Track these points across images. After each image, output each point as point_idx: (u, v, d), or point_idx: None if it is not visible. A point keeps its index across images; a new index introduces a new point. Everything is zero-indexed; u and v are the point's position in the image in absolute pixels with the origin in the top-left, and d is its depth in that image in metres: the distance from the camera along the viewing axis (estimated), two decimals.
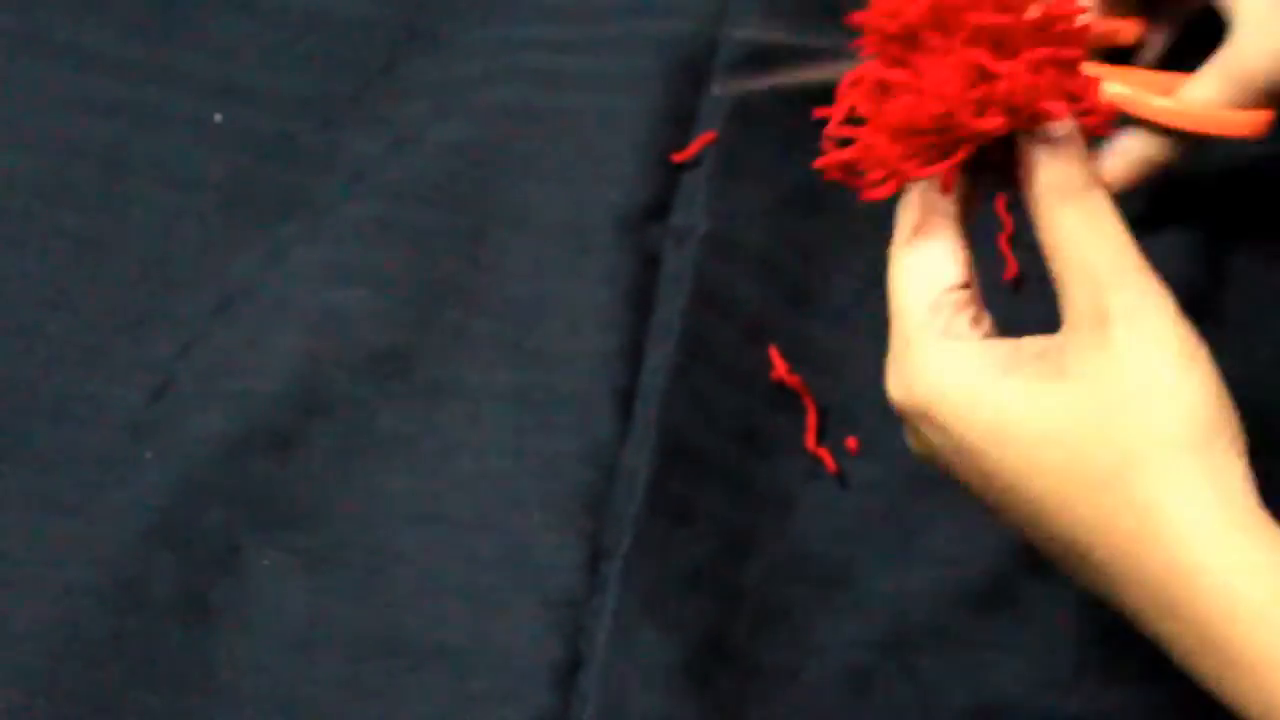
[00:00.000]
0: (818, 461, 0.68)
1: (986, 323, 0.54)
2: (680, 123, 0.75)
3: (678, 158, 0.74)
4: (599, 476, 0.67)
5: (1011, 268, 0.70)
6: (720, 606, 0.65)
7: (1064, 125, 0.53)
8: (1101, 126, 0.53)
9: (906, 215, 0.55)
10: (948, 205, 0.54)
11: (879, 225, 0.73)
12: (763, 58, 0.76)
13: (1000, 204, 0.72)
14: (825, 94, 0.56)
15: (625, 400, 0.69)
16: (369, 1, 0.79)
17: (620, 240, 0.72)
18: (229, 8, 0.78)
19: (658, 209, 0.73)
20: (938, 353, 0.52)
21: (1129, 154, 0.66)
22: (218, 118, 0.76)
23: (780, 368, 0.69)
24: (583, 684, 0.63)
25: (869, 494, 0.67)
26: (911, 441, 0.55)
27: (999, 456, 0.51)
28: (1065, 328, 0.52)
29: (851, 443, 0.68)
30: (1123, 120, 0.65)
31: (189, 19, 0.78)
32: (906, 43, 0.53)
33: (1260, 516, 0.48)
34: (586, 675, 0.64)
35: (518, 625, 0.64)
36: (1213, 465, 0.49)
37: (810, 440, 0.68)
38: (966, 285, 0.54)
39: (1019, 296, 0.70)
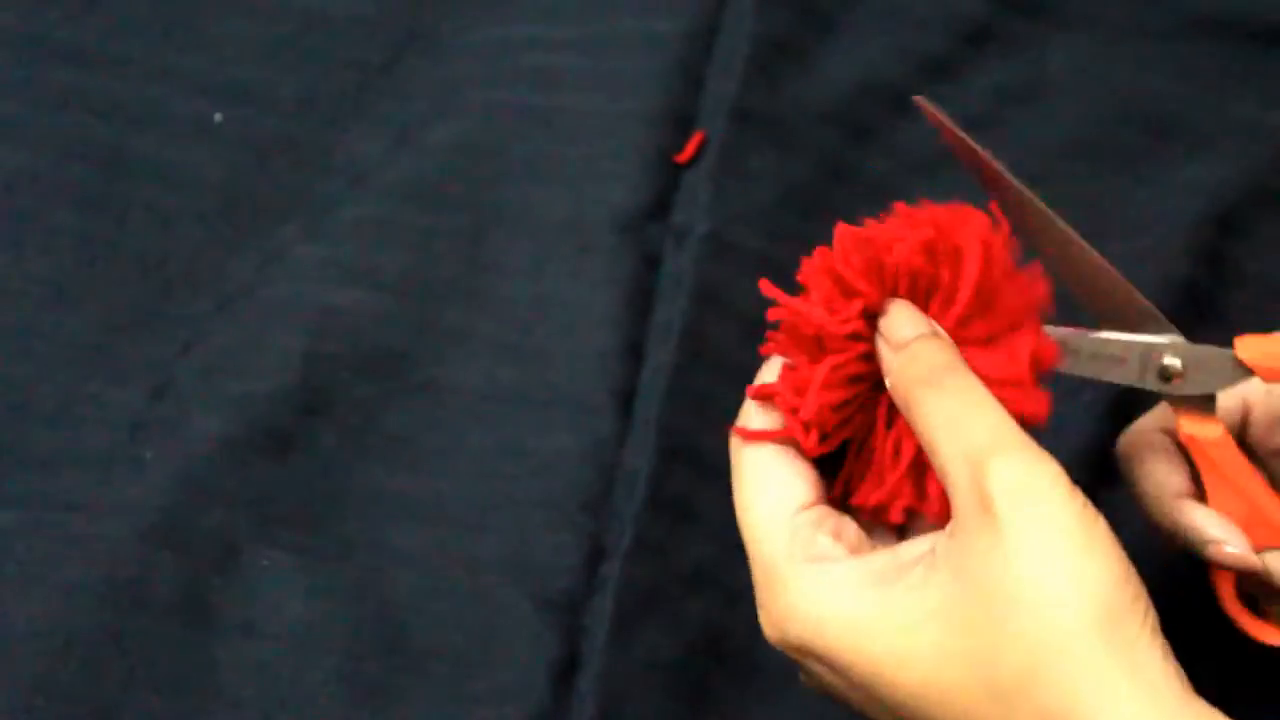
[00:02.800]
0: None
1: (851, 531, 0.50)
2: (680, 123, 0.75)
3: (678, 158, 0.74)
4: (599, 476, 0.67)
5: None
6: (720, 606, 0.65)
7: (911, 320, 0.50)
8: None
9: (742, 457, 0.51)
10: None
11: None
12: (762, 58, 0.76)
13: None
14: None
15: (625, 400, 0.69)
16: (369, 1, 0.79)
17: (620, 240, 0.72)
18: (229, 8, 0.78)
19: (658, 209, 0.73)
20: (807, 582, 0.48)
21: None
22: (218, 118, 0.76)
23: None
24: (582, 684, 0.63)
25: None
26: (802, 679, 0.51)
27: (894, 682, 0.46)
28: (951, 520, 0.47)
29: None
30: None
31: (189, 19, 0.78)
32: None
33: (1191, 703, 0.43)
34: (586, 675, 0.63)
35: (517, 625, 0.64)
36: (1131, 656, 0.44)
37: None
38: (818, 501, 0.50)
39: None
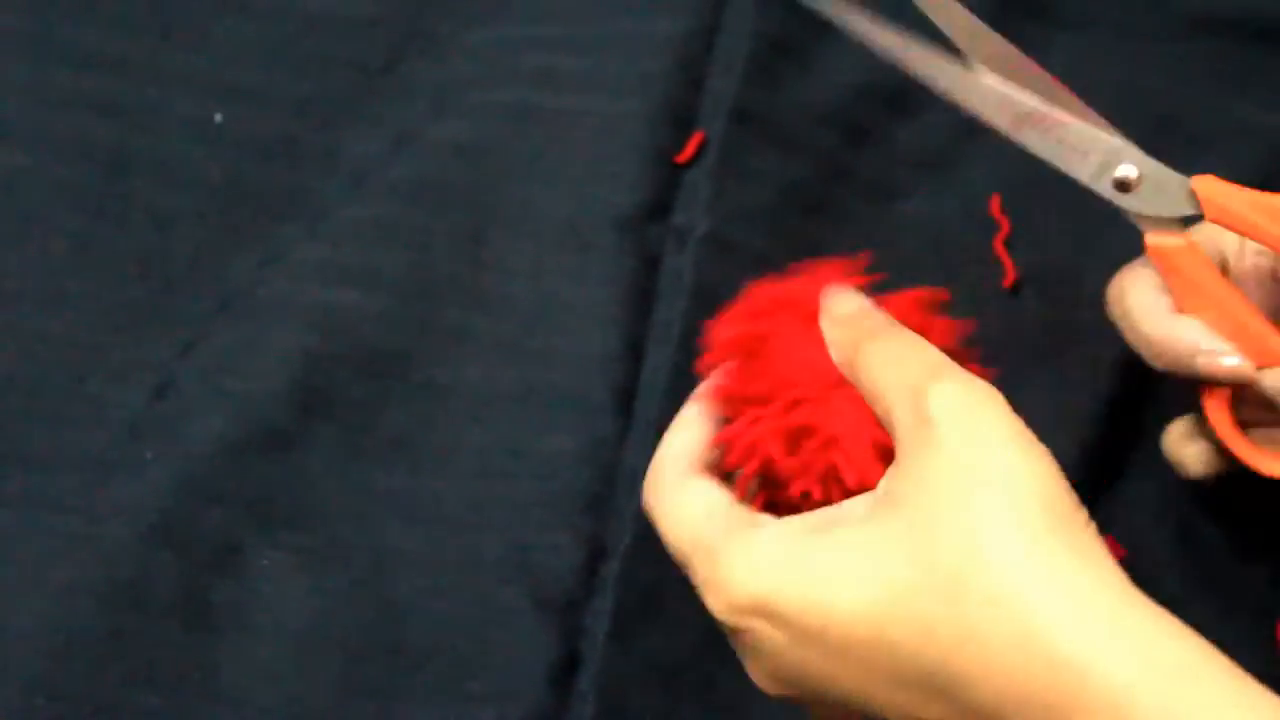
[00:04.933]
0: None
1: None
2: (680, 123, 0.75)
3: (678, 158, 0.74)
4: (599, 476, 0.67)
5: (1009, 273, 0.70)
6: None
7: (851, 297, 0.51)
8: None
9: (672, 459, 0.52)
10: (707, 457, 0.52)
11: (879, 226, 0.73)
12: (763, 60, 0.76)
13: (995, 206, 0.72)
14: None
15: (625, 400, 0.69)
16: (369, 1, 0.79)
17: (620, 240, 0.72)
18: (229, 8, 0.78)
19: (658, 209, 0.73)
20: (748, 542, 0.47)
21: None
22: (218, 118, 0.76)
23: None
24: (582, 684, 0.63)
25: None
26: (754, 669, 0.48)
27: (848, 619, 0.44)
28: (893, 464, 0.47)
29: None
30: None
31: (189, 19, 0.78)
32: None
33: (1137, 596, 0.42)
34: (585, 675, 0.64)
35: (517, 625, 0.64)
36: (1078, 545, 0.43)
37: None
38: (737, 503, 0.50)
39: (1018, 301, 0.70)
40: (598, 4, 0.77)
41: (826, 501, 0.50)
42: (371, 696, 0.63)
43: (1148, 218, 0.54)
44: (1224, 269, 0.58)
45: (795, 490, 0.51)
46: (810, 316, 0.52)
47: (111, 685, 0.63)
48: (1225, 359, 0.54)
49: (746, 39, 0.76)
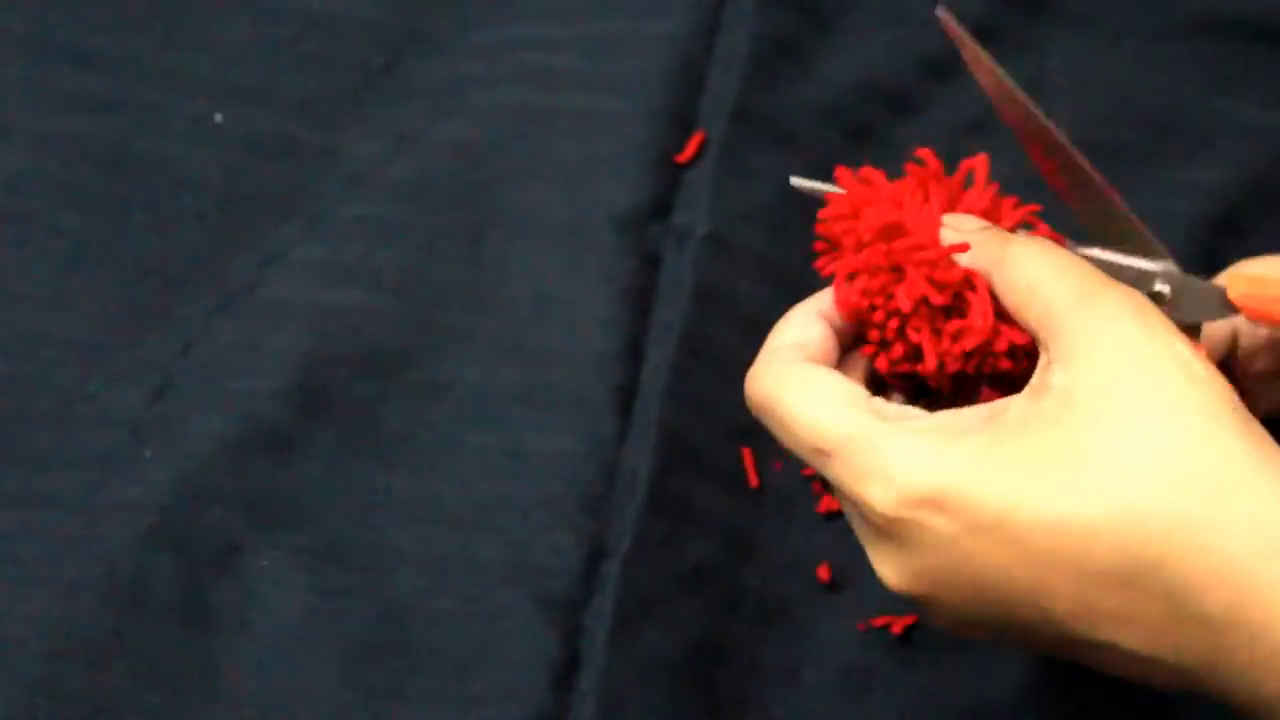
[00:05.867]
0: None
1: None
2: (680, 123, 0.75)
3: (678, 158, 0.74)
4: (599, 476, 0.67)
5: None
6: (720, 606, 0.65)
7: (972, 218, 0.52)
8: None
9: (794, 370, 0.51)
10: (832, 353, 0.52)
11: None
12: (760, 58, 0.76)
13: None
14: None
15: (625, 400, 0.69)
16: (369, 1, 0.79)
17: (620, 240, 0.72)
18: (229, 8, 0.78)
19: (658, 209, 0.73)
20: (914, 434, 0.47)
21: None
22: (218, 118, 0.76)
23: None
24: (582, 684, 0.63)
25: None
26: (900, 563, 0.48)
27: (1035, 504, 0.45)
28: (1051, 356, 0.48)
29: None
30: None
31: (189, 19, 0.78)
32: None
33: None
34: (586, 675, 0.64)
35: (517, 625, 0.64)
36: (1267, 444, 0.45)
37: None
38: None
39: None
40: (598, 4, 0.78)
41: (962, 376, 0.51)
42: (371, 696, 0.63)
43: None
44: (1235, 341, 0.60)
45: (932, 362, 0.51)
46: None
47: (111, 685, 0.63)
48: None
49: (746, 39, 0.76)
